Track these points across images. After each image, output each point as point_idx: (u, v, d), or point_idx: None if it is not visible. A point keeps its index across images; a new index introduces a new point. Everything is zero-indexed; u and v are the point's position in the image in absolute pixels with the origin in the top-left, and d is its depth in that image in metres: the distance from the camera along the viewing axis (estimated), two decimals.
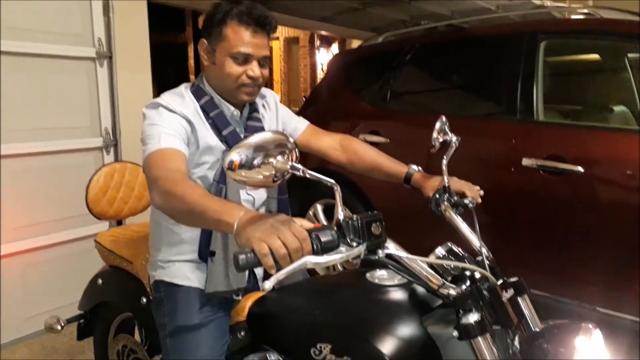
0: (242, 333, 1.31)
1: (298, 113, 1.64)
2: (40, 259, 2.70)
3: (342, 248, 0.93)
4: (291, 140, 0.96)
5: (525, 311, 1.05)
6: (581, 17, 2.81)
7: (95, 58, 2.84)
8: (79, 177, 2.42)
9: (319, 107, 3.41)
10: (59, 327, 1.84)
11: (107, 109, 2.92)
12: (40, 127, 2.63)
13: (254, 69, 1.30)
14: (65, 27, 2.70)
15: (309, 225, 0.89)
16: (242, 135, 1.35)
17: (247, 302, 1.34)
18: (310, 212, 3.16)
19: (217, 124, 1.33)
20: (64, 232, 2.75)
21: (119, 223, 2.00)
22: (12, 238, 2.57)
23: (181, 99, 1.33)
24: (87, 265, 2.37)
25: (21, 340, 2.64)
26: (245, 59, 1.29)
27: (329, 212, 3.11)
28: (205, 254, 1.34)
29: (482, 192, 1.37)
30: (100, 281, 1.81)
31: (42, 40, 2.60)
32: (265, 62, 1.33)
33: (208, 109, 1.33)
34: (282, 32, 10.79)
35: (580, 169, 2.17)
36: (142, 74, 3.09)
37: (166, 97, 1.30)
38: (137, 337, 1.80)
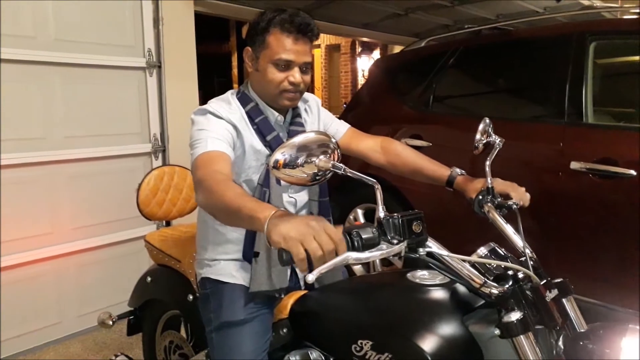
0: (285, 330, 1.35)
1: (339, 119, 1.67)
2: (93, 259, 2.84)
3: (383, 245, 0.94)
4: (333, 140, 0.98)
5: (570, 312, 1.03)
6: (634, 17, 2.71)
7: (146, 68, 2.97)
8: (130, 181, 2.55)
9: (360, 112, 3.43)
10: (111, 323, 1.92)
11: (155, 116, 3.04)
12: (94, 134, 2.78)
13: (295, 75, 1.33)
14: (118, 39, 2.85)
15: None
16: (284, 141, 1.38)
17: (289, 301, 1.37)
18: (351, 217, 3.17)
19: (262, 129, 1.37)
20: (116, 234, 2.88)
21: (168, 224, 2.08)
22: (70, 238, 2.72)
23: (228, 105, 1.38)
24: (137, 265, 2.47)
25: (75, 335, 2.78)
26: (286, 66, 1.32)
27: (369, 216, 3.11)
28: (249, 254, 1.37)
29: (528, 196, 1.34)
30: (149, 279, 1.89)
31: (98, 52, 2.75)
32: (307, 68, 1.36)
33: (253, 115, 1.38)
34: (324, 39, 10.89)
35: (633, 172, 2.09)
36: (189, 82, 3.21)
37: (214, 104, 1.36)
38: (183, 333, 1.86)
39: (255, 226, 0.94)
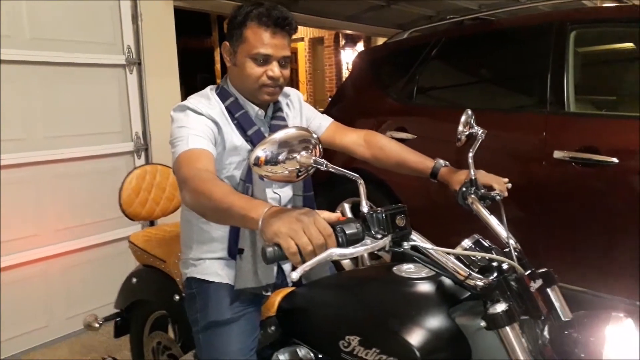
0: (272, 328, 1.34)
1: (323, 112, 1.65)
2: (79, 261, 2.80)
3: (367, 240, 0.93)
4: (314, 135, 0.98)
5: (555, 302, 1.04)
6: (613, 4, 2.73)
7: (125, 65, 2.92)
8: (113, 180, 2.51)
9: (344, 105, 3.42)
10: (97, 325, 1.90)
11: (137, 114, 3.00)
12: (75, 133, 2.73)
13: (274, 69, 1.31)
14: (97, 36, 2.80)
15: (333, 217, 0.90)
16: (266, 135, 1.37)
17: (276, 298, 1.37)
18: (338, 211, 3.17)
19: (242, 124, 1.36)
20: (101, 235, 2.85)
21: (152, 224, 2.06)
22: (54, 240, 2.68)
23: (207, 100, 1.36)
24: (124, 265, 2.44)
25: (63, 339, 2.75)
26: (265, 60, 1.30)
27: (357, 210, 3.11)
28: (234, 251, 1.36)
29: (509, 185, 1.35)
30: (134, 280, 1.87)
31: (76, 50, 2.70)
32: (286, 62, 1.34)
33: (233, 110, 1.36)
34: (307, 32, 10.84)
35: (615, 160, 2.12)
36: (170, 79, 3.17)
37: (193, 100, 1.34)
38: (170, 333, 1.84)
39: (248, 225, 0.94)
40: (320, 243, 0.83)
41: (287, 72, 1.35)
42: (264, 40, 1.29)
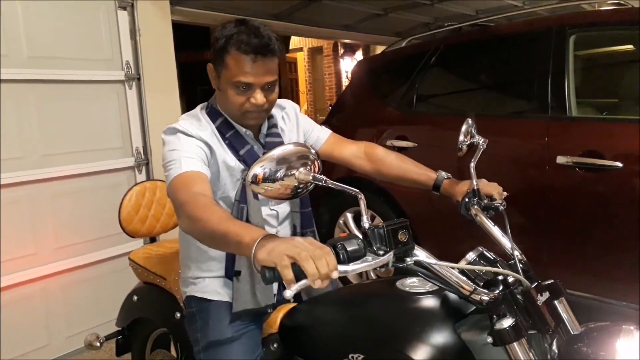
0: (275, 345, 1.31)
1: (324, 122, 1.63)
2: (79, 279, 2.77)
3: (369, 257, 0.91)
4: (313, 151, 0.96)
5: (563, 314, 1.01)
6: (611, 8, 2.73)
7: (125, 80, 2.92)
8: (113, 196, 2.49)
9: (344, 114, 3.41)
10: (98, 344, 1.88)
11: (137, 129, 2.99)
12: (74, 150, 2.72)
13: (257, 97, 1.26)
14: (95, 53, 2.80)
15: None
16: (259, 153, 1.33)
17: (278, 315, 1.34)
18: (341, 221, 3.15)
19: (234, 144, 1.33)
20: (101, 251, 2.82)
21: (152, 240, 2.04)
22: (53, 258, 2.66)
23: (198, 122, 1.33)
24: (126, 282, 2.42)
25: (64, 357, 2.71)
26: (247, 87, 1.25)
27: (359, 220, 3.09)
28: (231, 272, 1.34)
29: (506, 193, 1.33)
30: (135, 298, 1.85)
31: (74, 67, 2.69)
32: (271, 86, 1.28)
33: (224, 130, 1.33)
34: (306, 42, 10.88)
35: (619, 164, 2.09)
36: (169, 93, 3.16)
37: (183, 122, 1.30)
38: (172, 351, 1.82)
39: (242, 251, 0.92)
40: (318, 254, 0.81)
41: (273, 95, 1.30)
42: (244, 68, 1.23)
